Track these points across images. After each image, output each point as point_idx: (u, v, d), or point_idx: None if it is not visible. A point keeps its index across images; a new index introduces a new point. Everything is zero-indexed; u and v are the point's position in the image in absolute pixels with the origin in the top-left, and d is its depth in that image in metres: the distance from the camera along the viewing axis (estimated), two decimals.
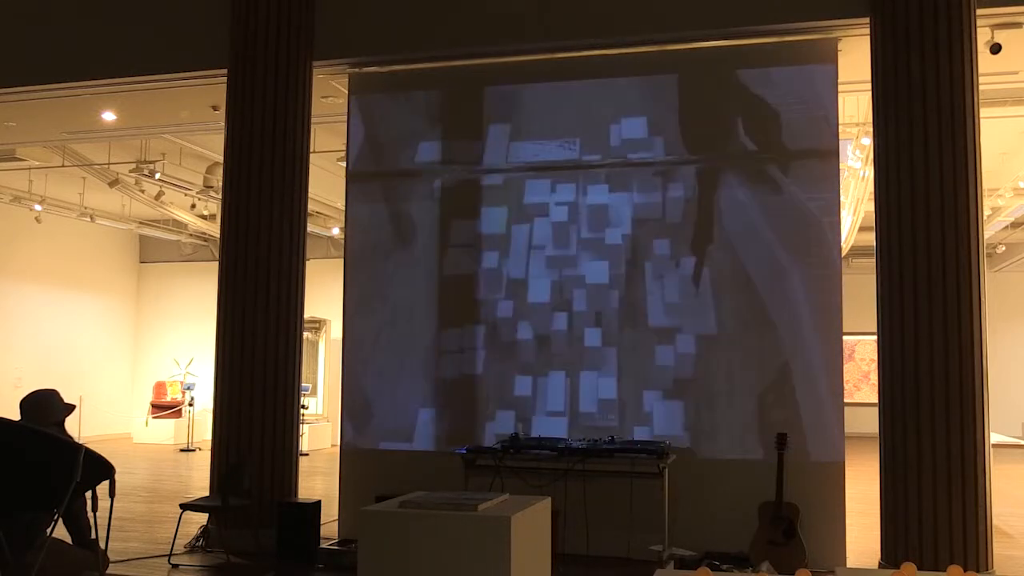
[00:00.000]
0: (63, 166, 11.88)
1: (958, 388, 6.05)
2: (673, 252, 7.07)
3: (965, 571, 3.17)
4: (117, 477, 4.45)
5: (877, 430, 6.38)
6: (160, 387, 16.77)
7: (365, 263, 7.72)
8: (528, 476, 6.51)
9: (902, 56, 6.32)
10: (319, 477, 11.75)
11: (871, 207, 7.91)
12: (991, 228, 13.96)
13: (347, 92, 7.97)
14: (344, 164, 8.19)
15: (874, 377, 11.83)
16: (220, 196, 8.34)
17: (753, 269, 6.91)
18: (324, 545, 6.83)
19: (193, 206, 14.10)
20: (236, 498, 6.71)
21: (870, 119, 6.76)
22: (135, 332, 18.12)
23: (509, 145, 7.47)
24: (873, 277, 6.45)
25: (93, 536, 4.64)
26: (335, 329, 15.90)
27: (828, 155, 6.88)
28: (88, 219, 14.93)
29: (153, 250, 18.27)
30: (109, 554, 4.93)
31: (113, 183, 12.42)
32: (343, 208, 8.11)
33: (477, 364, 7.37)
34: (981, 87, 6.45)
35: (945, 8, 6.26)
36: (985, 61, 6.63)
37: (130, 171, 11.88)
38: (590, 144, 7.32)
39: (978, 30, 6.39)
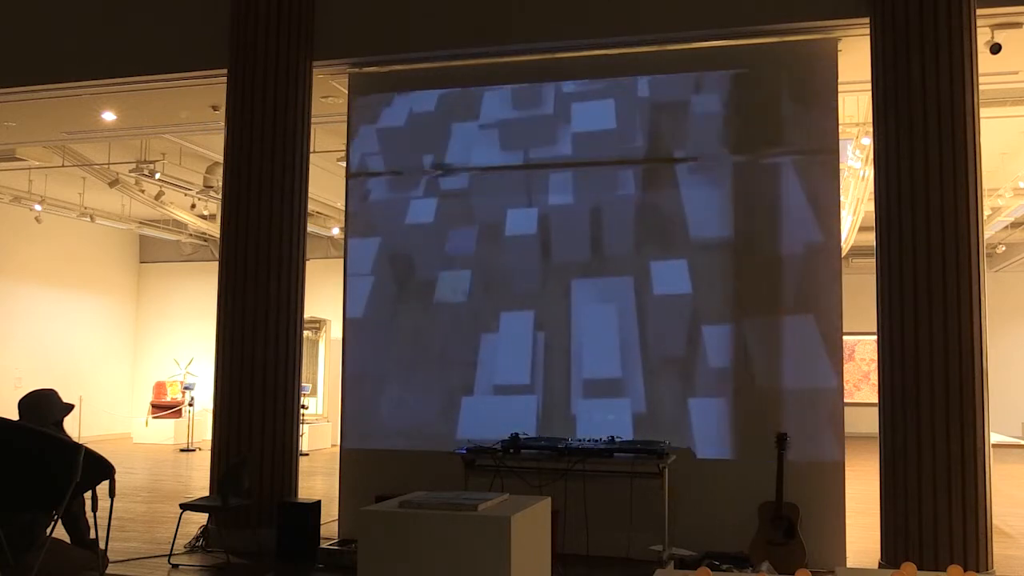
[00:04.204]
0: (63, 166, 11.89)
1: (958, 388, 6.04)
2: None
3: (965, 571, 3.17)
4: (117, 477, 4.45)
5: (877, 430, 6.38)
6: (160, 387, 16.77)
7: (365, 261, 7.71)
8: (528, 476, 6.51)
9: (902, 56, 6.32)
10: (319, 477, 11.75)
11: (871, 207, 7.91)
12: (991, 228, 13.95)
13: (347, 92, 7.97)
14: (344, 164, 8.18)
15: (874, 377, 11.83)
16: (220, 196, 8.34)
17: (752, 269, 6.91)
18: (324, 545, 6.82)
19: (193, 206, 14.11)
20: (236, 498, 6.71)
21: (870, 119, 6.76)
22: (135, 332, 18.12)
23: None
24: (873, 277, 6.45)
25: (93, 536, 4.64)
26: (335, 329, 15.91)
27: (828, 155, 6.88)
28: (88, 219, 14.93)
29: (153, 250, 18.27)
30: (109, 554, 4.93)
31: (113, 183, 12.43)
32: (343, 208, 8.11)
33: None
34: (981, 87, 6.45)
35: (945, 8, 6.26)
36: (985, 61, 6.63)
37: (130, 171, 11.89)
38: (582, 144, 7.32)
39: (978, 30, 6.39)
